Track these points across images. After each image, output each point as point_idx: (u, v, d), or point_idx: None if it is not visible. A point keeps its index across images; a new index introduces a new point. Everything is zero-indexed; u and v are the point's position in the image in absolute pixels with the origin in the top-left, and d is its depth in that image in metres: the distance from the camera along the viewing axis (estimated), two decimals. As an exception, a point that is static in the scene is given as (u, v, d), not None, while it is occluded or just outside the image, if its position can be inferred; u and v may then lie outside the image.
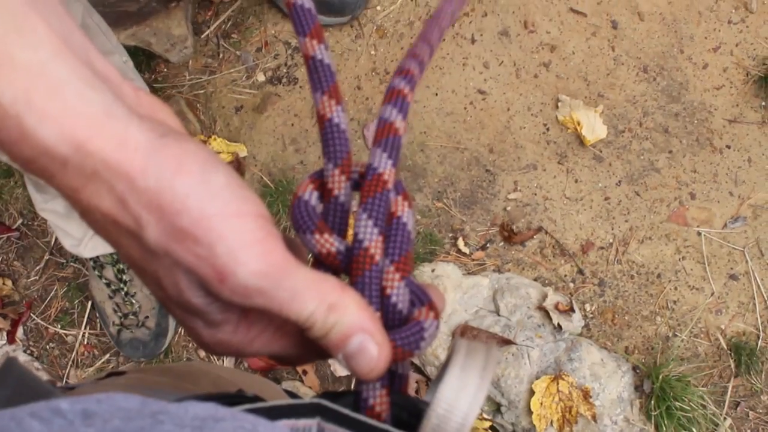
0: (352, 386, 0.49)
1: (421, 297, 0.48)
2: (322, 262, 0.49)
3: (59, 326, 2.11)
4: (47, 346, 2.12)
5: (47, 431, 0.33)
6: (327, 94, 0.51)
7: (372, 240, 0.47)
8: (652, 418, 1.94)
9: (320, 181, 0.51)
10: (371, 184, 0.48)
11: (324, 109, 0.51)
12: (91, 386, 0.74)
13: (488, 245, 2.06)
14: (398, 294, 0.47)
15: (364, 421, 0.42)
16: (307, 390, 2.00)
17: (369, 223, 0.47)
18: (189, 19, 2.15)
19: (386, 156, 0.49)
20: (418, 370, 1.99)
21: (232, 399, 0.53)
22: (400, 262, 0.47)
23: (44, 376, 2.08)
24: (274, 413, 0.42)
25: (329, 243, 0.48)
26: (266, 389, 0.90)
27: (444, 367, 0.46)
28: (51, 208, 1.75)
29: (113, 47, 1.62)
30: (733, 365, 2.02)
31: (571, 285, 2.05)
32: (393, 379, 0.49)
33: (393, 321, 0.47)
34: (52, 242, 2.13)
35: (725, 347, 2.03)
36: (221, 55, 2.19)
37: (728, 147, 2.11)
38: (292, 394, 0.91)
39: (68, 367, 2.10)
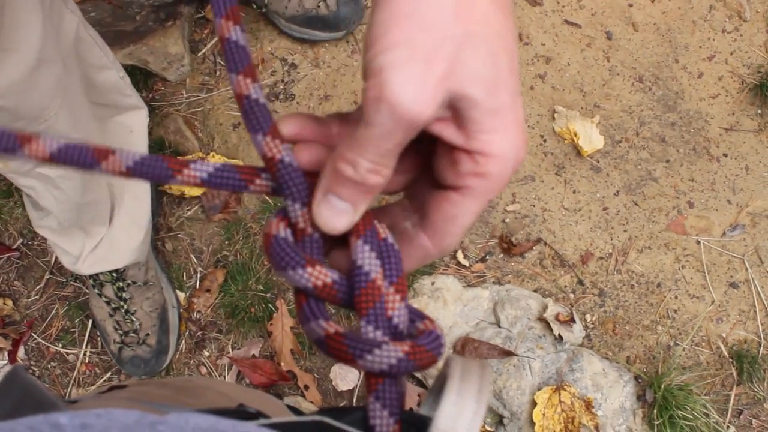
0: (355, 402, 0.49)
1: (417, 313, 0.49)
2: (315, 296, 0.48)
3: (60, 345, 2.11)
4: (48, 366, 2.12)
5: None
6: (242, 74, 0.51)
7: (377, 272, 0.47)
8: (655, 427, 1.93)
9: (288, 219, 0.51)
10: (363, 219, 0.49)
11: (240, 88, 0.51)
12: (93, 400, 0.73)
13: (488, 257, 2.06)
14: (399, 315, 0.47)
15: None
16: (309, 405, 1.99)
17: (372, 255, 0.47)
18: (185, 38, 2.16)
19: None
20: (420, 383, 1.99)
21: (233, 414, 0.53)
22: (399, 284, 0.48)
23: (46, 395, 2.07)
24: (275, 430, 0.42)
25: (323, 274, 0.47)
26: (268, 404, 0.90)
27: (438, 384, 0.46)
28: (46, 225, 1.75)
29: (110, 62, 1.62)
30: (735, 373, 2.02)
31: (572, 296, 2.05)
32: (400, 396, 0.48)
33: (396, 341, 0.47)
34: (52, 262, 2.14)
35: (727, 355, 2.03)
36: (218, 73, 2.20)
37: (725, 155, 2.11)
38: (294, 410, 0.91)
39: (70, 386, 2.10)
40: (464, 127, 0.46)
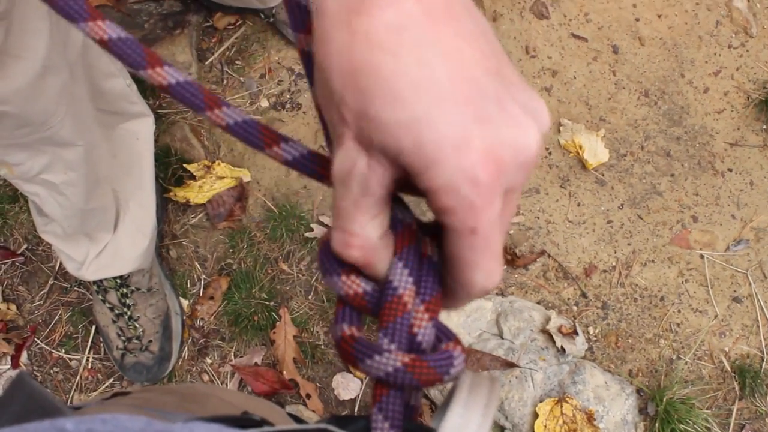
0: (356, 410, 0.49)
1: (448, 334, 0.49)
2: (348, 303, 0.49)
3: (63, 351, 2.11)
4: (51, 371, 2.12)
5: None
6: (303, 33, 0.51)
7: (406, 288, 0.47)
8: (657, 441, 1.93)
9: None
10: (402, 235, 0.49)
11: (302, 44, 0.52)
12: (97, 406, 0.74)
13: (491, 269, 2.06)
14: (425, 333, 0.47)
15: None
16: (311, 414, 1.99)
17: (405, 272, 0.47)
18: (193, 46, 2.17)
19: (408, 214, 0.50)
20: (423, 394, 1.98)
21: (237, 422, 0.53)
22: (431, 303, 0.48)
23: (48, 401, 2.07)
24: None
25: (356, 284, 0.48)
26: (270, 412, 0.90)
27: (448, 398, 0.47)
28: (51, 230, 1.75)
29: (117, 70, 1.63)
30: (737, 388, 2.02)
31: (575, 308, 2.05)
32: (406, 410, 0.49)
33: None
34: (57, 267, 2.14)
35: (729, 370, 2.03)
36: (225, 82, 2.21)
37: (730, 170, 2.11)
38: (296, 418, 0.91)
39: (72, 391, 2.10)
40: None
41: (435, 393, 1.96)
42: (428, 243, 0.49)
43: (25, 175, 1.52)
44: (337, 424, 0.46)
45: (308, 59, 0.52)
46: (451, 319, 1.97)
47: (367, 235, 0.46)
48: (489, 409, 0.44)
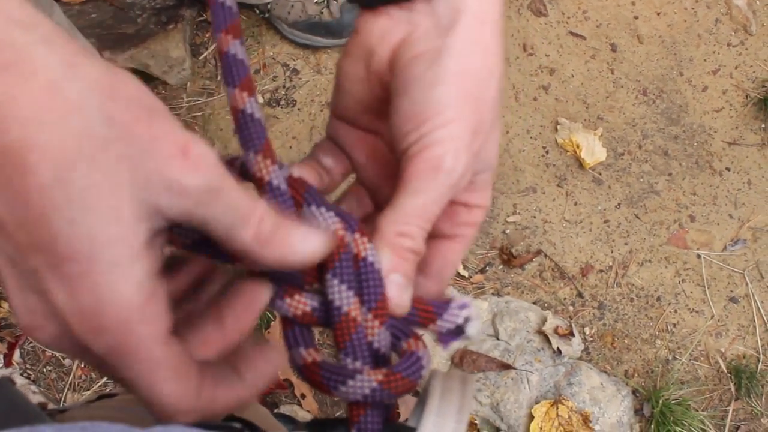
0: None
1: (404, 330, 0.48)
2: (299, 324, 0.48)
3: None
4: (44, 369, 2.11)
5: None
6: (239, 87, 0.50)
7: (350, 304, 0.46)
8: (653, 442, 1.93)
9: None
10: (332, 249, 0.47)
11: (236, 102, 0.49)
12: (82, 409, 0.74)
13: (487, 268, 2.06)
14: (380, 340, 0.47)
15: None
16: (305, 414, 1.99)
17: (342, 288, 0.46)
18: (187, 41, 2.15)
19: (333, 215, 0.48)
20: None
21: (218, 428, 0.53)
22: (377, 309, 0.47)
23: (41, 399, 2.07)
24: None
25: (302, 303, 0.47)
26: (254, 415, 0.90)
27: (423, 395, 0.47)
28: None
29: None
30: (733, 388, 2.02)
31: (571, 308, 2.04)
32: (384, 413, 0.48)
33: (378, 364, 0.47)
34: (50, 264, 2.13)
35: (725, 370, 2.02)
36: (219, 77, 2.19)
37: (728, 169, 2.10)
38: (288, 418, 0.90)
39: (65, 390, 2.09)
40: (471, 186, 0.51)
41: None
42: (359, 241, 0.47)
43: None
44: (318, 429, 0.45)
45: (228, 61, 0.50)
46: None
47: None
48: (462, 413, 0.44)
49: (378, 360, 0.47)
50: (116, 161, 0.35)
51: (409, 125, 0.48)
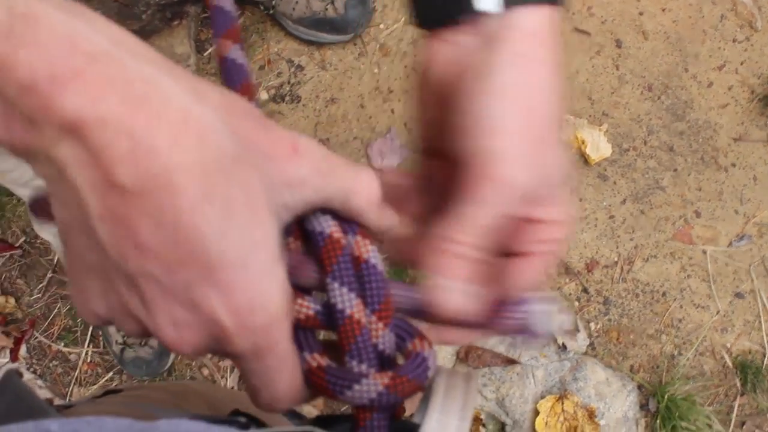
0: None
1: (408, 330, 0.48)
2: (303, 328, 0.48)
3: (62, 344, 2.11)
4: (50, 364, 2.11)
5: None
6: (239, 92, 0.52)
7: (353, 306, 0.46)
8: (658, 438, 1.93)
9: None
10: (327, 250, 0.47)
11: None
12: (88, 405, 0.74)
13: (492, 264, 2.06)
14: (384, 342, 0.47)
15: None
16: (311, 409, 1.99)
17: (344, 291, 0.46)
18: (192, 37, 2.15)
19: (329, 218, 0.48)
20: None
21: (225, 422, 0.53)
22: (381, 310, 0.47)
23: (47, 394, 2.07)
24: None
25: (306, 307, 0.46)
26: (263, 413, 0.90)
27: (428, 392, 0.47)
28: (47, 228, 1.75)
29: None
30: (738, 384, 2.01)
31: (576, 304, 2.04)
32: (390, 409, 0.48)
33: (384, 366, 0.47)
34: (55, 260, 2.13)
35: (731, 366, 2.02)
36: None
37: (733, 165, 2.10)
38: (294, 413, 0.90)
39: (71, 385, 2.10)
40: (540, 201, 0.51)
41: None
42: (360, 243, 0.48)
43: (17, 181, 1.50)
44: (323, 425, 0.46)
45: (228, 65, 0.53)
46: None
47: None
48: (466, 411, 0.44)
49: (383, 362, 0.47)
50: (248, 171, 0.39)
51: (464, 140, 0.50)
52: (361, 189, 0.46)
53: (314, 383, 0.46)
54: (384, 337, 0.47)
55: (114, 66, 0.35)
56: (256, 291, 0.39)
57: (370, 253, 0.47)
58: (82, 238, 0.39)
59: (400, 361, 0.48)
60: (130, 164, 0.35)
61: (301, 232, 0.48)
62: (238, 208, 0.38)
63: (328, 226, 0.47)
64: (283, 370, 0.44)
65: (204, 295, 0.39)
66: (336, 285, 0.46)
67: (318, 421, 0.48)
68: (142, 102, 0.35)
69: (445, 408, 0.44)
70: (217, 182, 0.37)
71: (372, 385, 0.45)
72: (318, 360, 0.47)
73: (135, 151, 0.35)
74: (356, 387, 0.45)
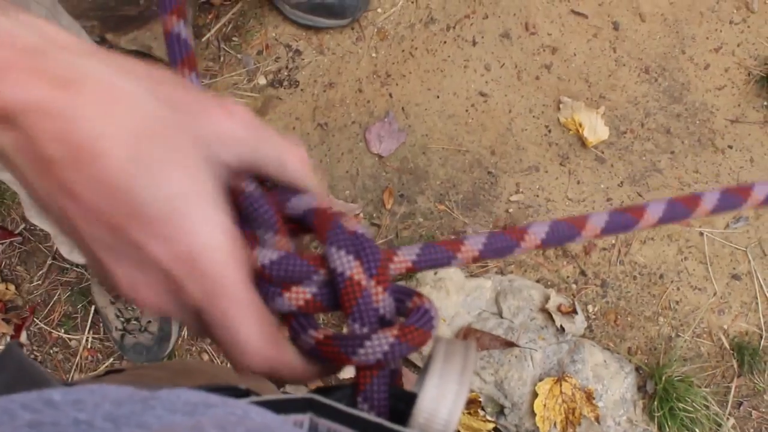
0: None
1: (406, 292, 0.50)
2: (300, 315, 0.49)
3: (63, 331, 2.11)
4: (51, 351, 2.12)
5: (39, 421, 0.33)
6: (180, 64, 0.55)
7: (352, 268, 0.47)
8: (655, 419, 1.94)
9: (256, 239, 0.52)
10: (321, 220, 0.49)
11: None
12: (90, 382, 0.74)
13: (491, 247, 2.06)
14: (385, 306, 0.48)
15: (356, 415, 0.42)
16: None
17: (342, 254, 0.47)
18: (189, 23, 2.14)
19: (314, 197, 0.50)
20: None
21: (224, 391, 0.54)
22: (379, 275, 0.48)
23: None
24: (265, 407, 0.43)
25: (302, 293, 0.48)
26: (264, 388, 0.91)
27: (428, 362, 0.47)
28: (37, 213, 1.74)
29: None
30: (735, 365, 2.02)
31: (574, 286, 2.05)
32: (390, 375, 0.49)
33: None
34: (55, 247, 2.13)
35: (728, 347, 2.03)
36: (222, 59, 2.19)
37: (730, 147, 2.10)
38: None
39: (72, 371, 2.10)
40: None
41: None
42: (348, 221, 0.49)
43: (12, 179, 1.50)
44: (325, 394, 0.46)
45: (172, 40, 0.55)
46: (450, 298, 1.97)
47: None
48: (464, 376, 0.45)
49: (384, 325, 0.48)
50: (176, 131, 0.42)
51: None
52: (295, 155, 0.49)
53: (325, 354, 0.47)
54: (385, 301, 0.48)
55: (42, 58, 0.38)
56: (195, 237, 0.42)
57: (358, 227, 0.49)
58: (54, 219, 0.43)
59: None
60: (59, 140, 0.38)
61: (287, 230, 0.50)
62: (171, 165, 0.41)
63: (313, 200, 0.50)
64: (245, 318, 0.45)
65: (149, 249, 0.41)
66: (333, 249, 0.47)
67: (318, 390, 0.49)
68: (69, 84, 0.38)
69: (444, 373, 0.45)
70: (146, 143, 0.40)
71: (383, 338, 0.46)
72: (322, 332, 0.48)
73: (63, 127, 0.38)
74: (368, 343, 0.46)
